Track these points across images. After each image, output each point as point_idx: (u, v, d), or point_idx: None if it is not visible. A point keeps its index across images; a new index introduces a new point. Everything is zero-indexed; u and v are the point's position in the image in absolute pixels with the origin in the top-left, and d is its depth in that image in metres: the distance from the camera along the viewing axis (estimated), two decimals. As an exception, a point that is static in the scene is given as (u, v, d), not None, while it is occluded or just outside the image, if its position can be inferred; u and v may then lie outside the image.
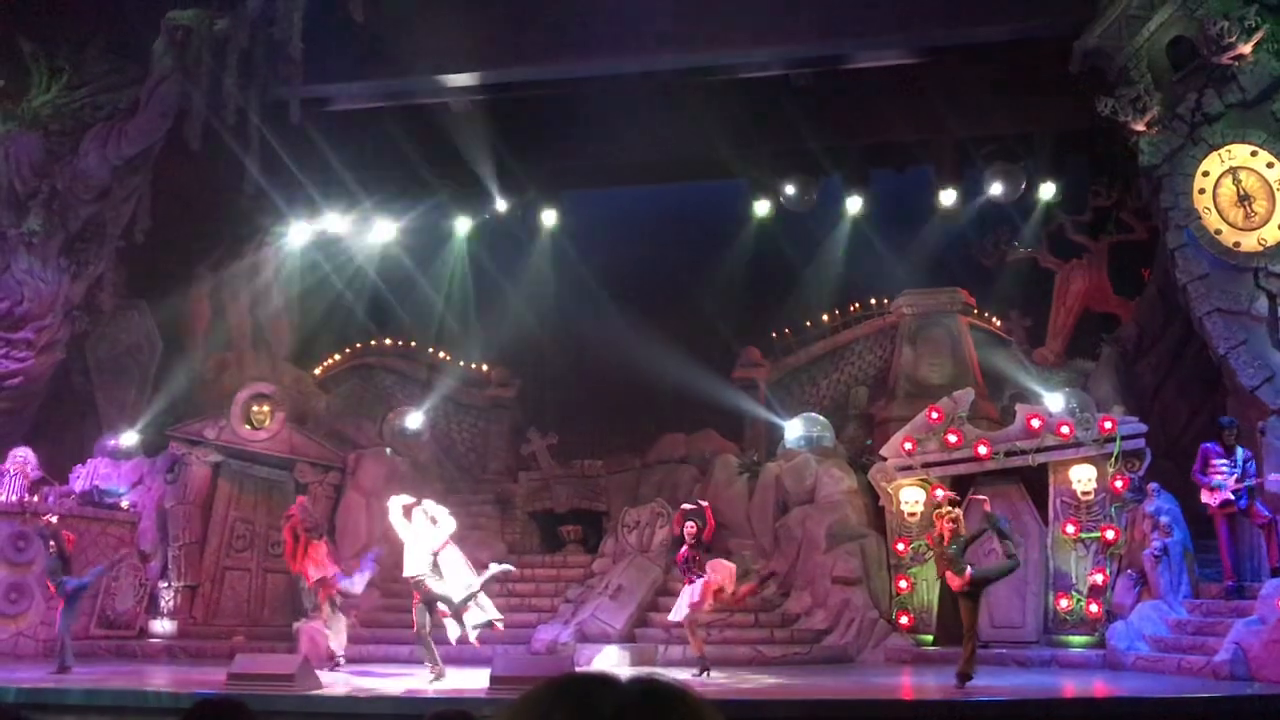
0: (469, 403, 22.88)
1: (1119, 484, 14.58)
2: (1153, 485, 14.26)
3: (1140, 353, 18.46)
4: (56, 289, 18.48)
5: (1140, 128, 15.26)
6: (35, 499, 16.50)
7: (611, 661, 14.48)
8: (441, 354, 23.67)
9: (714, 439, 19.85)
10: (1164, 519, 13.78)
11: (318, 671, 11.84)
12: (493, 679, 10.92)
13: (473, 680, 11.94)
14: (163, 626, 16.94)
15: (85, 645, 16.13)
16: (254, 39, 17.58)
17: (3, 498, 16.23)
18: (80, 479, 18.02)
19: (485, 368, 23.31)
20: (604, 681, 1.76)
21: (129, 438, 19.15)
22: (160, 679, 13.00)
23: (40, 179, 18.12)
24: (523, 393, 22.85)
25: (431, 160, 21.24)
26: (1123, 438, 14.68)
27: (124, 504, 17.82)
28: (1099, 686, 12.07)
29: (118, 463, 18.52)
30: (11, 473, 16.50)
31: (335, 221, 23.42)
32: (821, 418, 19.05)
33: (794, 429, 18.62)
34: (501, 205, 22.56)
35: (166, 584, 17.35)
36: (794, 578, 16.32)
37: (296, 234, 23.41)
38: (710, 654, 14.66)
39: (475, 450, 22.64)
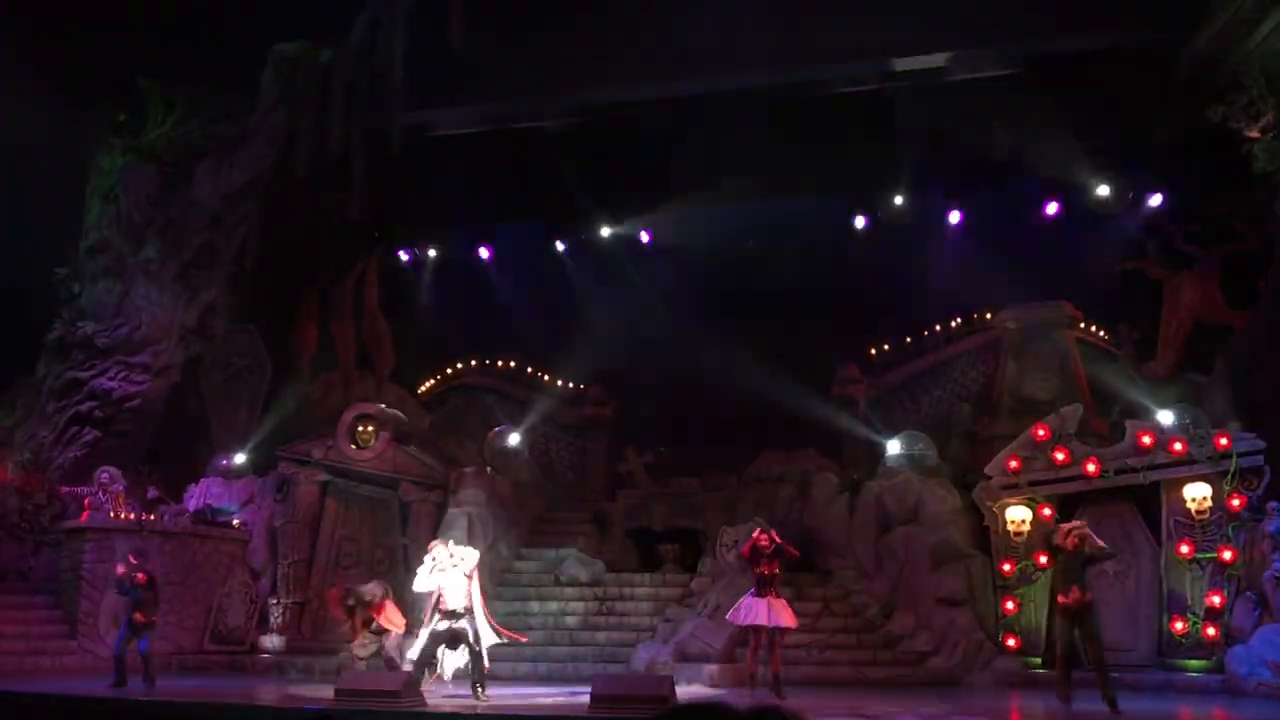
0: (567, 422, 23.08)
1: (1236, 502, 14.06)
2: (1273, 504, 13.72)
3: (1256, 365, 17.80)
4: (172, 314, 19.19)
5: (1254, 134, 14.81)
6: (152, 517, 17.06)
7: (710, 681, 14.41)
8: (540, 373, 23.93)
9: (813, 457, 19.65)
10: (1286, 539, 13.26)
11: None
12: (593, 698, 10.95)
13: (572, 699, 12.01)
14: (272, 642, 17.35)
15: (199, 659, 16.64)
16: (357, 69, 18.11)
17: (120, 515, 16.79)
18: (194, 498, 18.61)
19: (583, 387, 23.49)
20: (721, 711, 1.76)
21: (240, 457, 19.75)
22: (268, 694, 13.32)
23: (156, 208, 18.88)
24: (620, 411, 22.96)
25: (529, 182, 21.55)
26: (1239, 454, 14.16)
27: (235, 522, 18.34)
28: (1219, 713, 11.62)
29: (229, 482, 19.09)
30: (101, 495, 17.05)
31: (436, 244, 23.94)
32: (923, 435, 18.75)
33: (895, 447, 18.35)
34: (598, 224, 22.75)
35: (276, 600, 17.77)
36: (897, 598, 16.07)
37: (399, 257, 23.95)
38: (811, 674, 14.55)
39: (574, 469, 22.82)
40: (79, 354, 18.85)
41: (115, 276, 18.81)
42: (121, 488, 17.16)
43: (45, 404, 18.93)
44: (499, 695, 12.44)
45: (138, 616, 13.37)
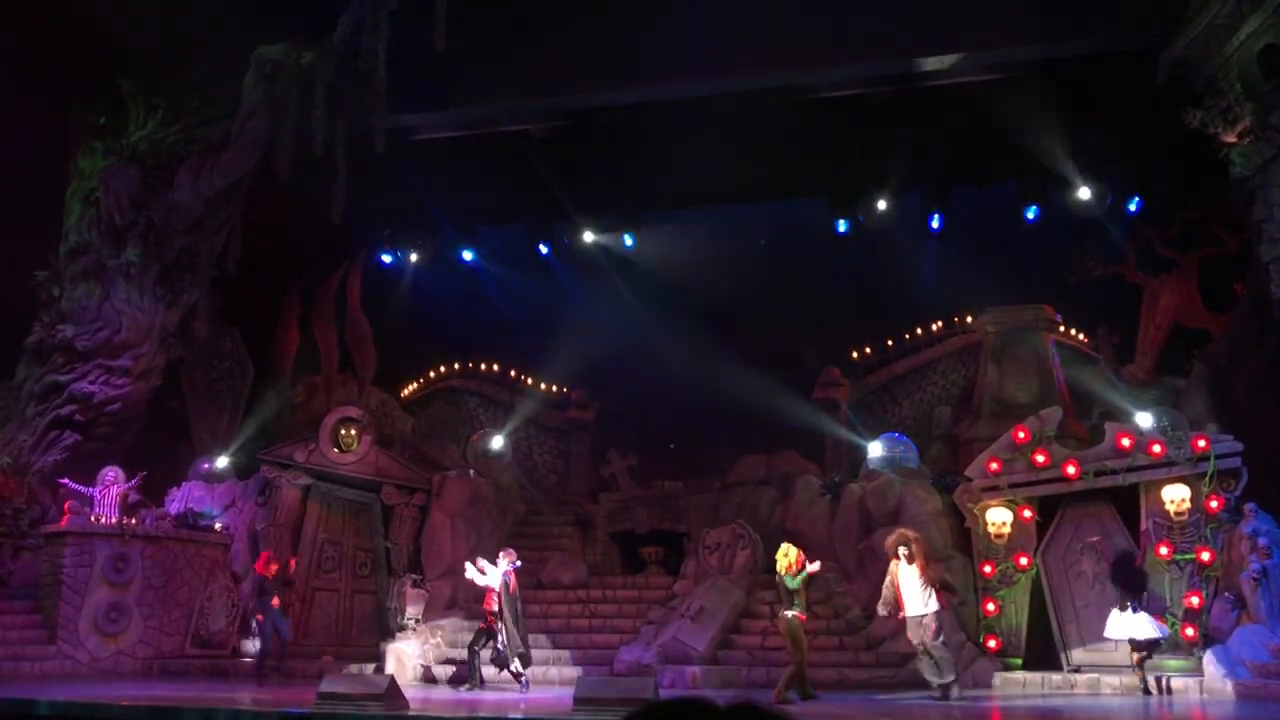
0: (550, 425, 23.09)
1: (1214, 504, 14.17)
2: (1250, 505, 13.84)
3: (1234, 368, 17.96)
4: (153, 317, 19.09)
5: (1231, 139, 14.92)
6: (133, 521, 16.99)
7: (693, 682, 14.43)
8: (523, 377, 23.93)
9: (795, 460, 19.72)
10: (1263, 540, 13.34)
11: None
12: (576, 700, 10.96)
13: (556, 701, 12.02)
14: (254, 646, 17.28)
15: (180, 664, 16.56)
16: (340, 72, 18.03)
17: (101, 519, 16.72)
18: (175, 502, 18.52)
19: (566, 390, 23.50)
20: (701, 706, 1.79)
21: (222, 461, 19.67)
22: (250, 698, 13.27)
23: (137, 211, 18.78)
24: (603, 414, 22.97)
25: (512, 186, 21.54)
26: (1217, 456, 14.27)
27: (217, 526, 18.27)
28: (1197, 713, 11.72)
29: (211, 486, 19.01)
30: (100, 493, 17.00)
31: (419, 247, 23.92)
32: (905, 437, 18.83)
33: (876, 449, 18.44)
34: (581, 229, 22.77)
35: (258, 604, 17.69)
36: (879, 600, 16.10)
37: (382, 260, 23.91)
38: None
39: (556, 472, 22.81)
40: (59, 357, 18.74)
41: (95, 279, 18.71)
42: (120, 490, 17.16)
43: (25, 408, 18.81)
44: (482, 698, 12.43)
45: (275, 601, 15.32)
